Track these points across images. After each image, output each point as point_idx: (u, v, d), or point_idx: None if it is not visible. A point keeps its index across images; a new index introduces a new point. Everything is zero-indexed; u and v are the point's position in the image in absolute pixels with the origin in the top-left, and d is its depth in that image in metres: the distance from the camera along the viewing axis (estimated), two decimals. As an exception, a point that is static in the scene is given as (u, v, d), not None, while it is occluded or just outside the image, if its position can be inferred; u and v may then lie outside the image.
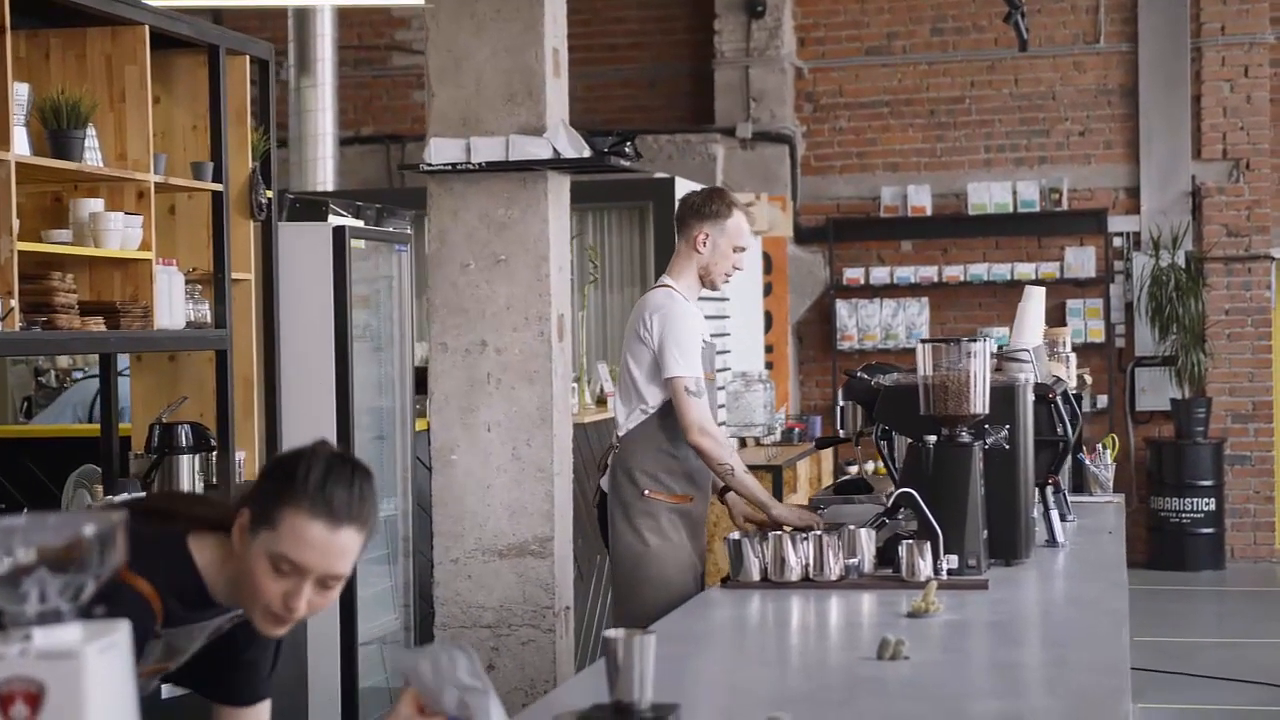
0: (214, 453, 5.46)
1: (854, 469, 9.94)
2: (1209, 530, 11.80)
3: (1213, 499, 11.79)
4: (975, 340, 4.38)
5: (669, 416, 4.92)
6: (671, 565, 4.95)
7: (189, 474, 5.32)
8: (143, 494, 5.02)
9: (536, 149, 5.38)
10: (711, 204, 5.03)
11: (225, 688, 2.82)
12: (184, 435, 5.34)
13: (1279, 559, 12.18)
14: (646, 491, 4.97)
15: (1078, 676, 3.23)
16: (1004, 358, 5.13)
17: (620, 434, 5.04)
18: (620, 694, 2.66)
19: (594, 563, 7.27)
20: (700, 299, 5.08)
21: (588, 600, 7.29)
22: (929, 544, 4.17)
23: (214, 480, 5.46)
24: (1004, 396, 4.48)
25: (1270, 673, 8.33)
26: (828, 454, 10.67)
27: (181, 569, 2.62)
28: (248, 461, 5.67)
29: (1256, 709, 7.80)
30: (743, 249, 5.06)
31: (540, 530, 5.48)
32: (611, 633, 2.65)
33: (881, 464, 5.20)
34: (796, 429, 10.53)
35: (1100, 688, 3.07)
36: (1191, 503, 11.77)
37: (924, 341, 4.41)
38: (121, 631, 1.75)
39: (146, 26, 5.12)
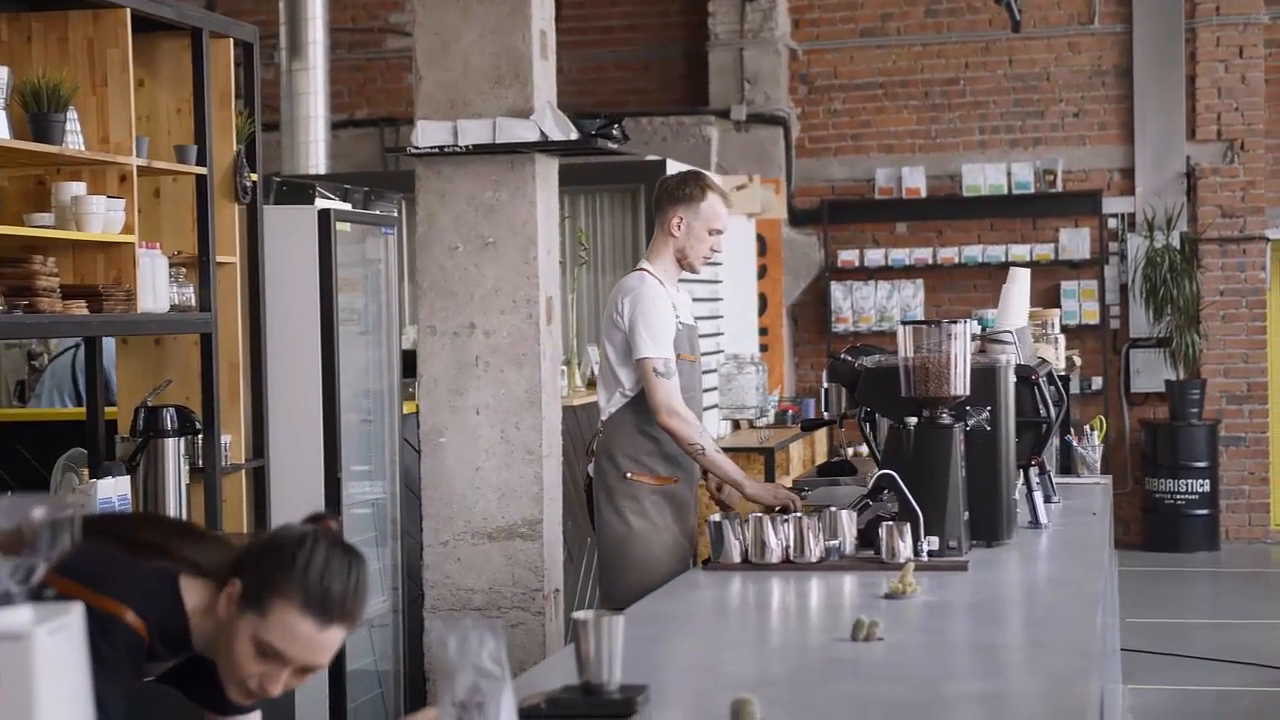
0: (199, 436, 5.46)
1: (849, 451, 9.93)
2: (1203, 512, 11.80)
3: (1207, 480, 11.79)
4: (956, 322, 4.37)
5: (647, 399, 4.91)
6: (656, 547, 4.95)
7: (174, 457, 5.31)
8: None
9: (523, 131, 5.37)
10: (685, 187, 5.01)
11: (218, 697, 2.81)
12: (169, 419, 5.33)
13: (1273, 540, 12.18)
14: (629, 474, 4.97)
15: (1050, 657, 3.23)
16: (987, 339, 5.12)
17: (603, 418, 5.04)
18: (589, 675, 2.67)
19: (583, 545, 7.27)
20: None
21: (577, 583, 7.29)
22: (909, 526, 4.18)
23: (199, 463, 5.46)
24: (985, 378, 4.48)
25: (1264, 654, 8.33)
26: (822, 436, 10.66)
27: (171, 610, 2.61)
28: (233, 445, 5.67)
29: (1249, 690, 7.81)
30: (718, 231, 5.03)
31: (529, 513, 5.48)
32: (580, 614, 2.66)
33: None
34: (790, 411, 10.51)
35: (1069, 669, 3.08)
36: (1186, 484, 11.77)
37: (905, 323, 4.41)
38: (74, 614, 1.75)
39: (128, 9, 5.10)
